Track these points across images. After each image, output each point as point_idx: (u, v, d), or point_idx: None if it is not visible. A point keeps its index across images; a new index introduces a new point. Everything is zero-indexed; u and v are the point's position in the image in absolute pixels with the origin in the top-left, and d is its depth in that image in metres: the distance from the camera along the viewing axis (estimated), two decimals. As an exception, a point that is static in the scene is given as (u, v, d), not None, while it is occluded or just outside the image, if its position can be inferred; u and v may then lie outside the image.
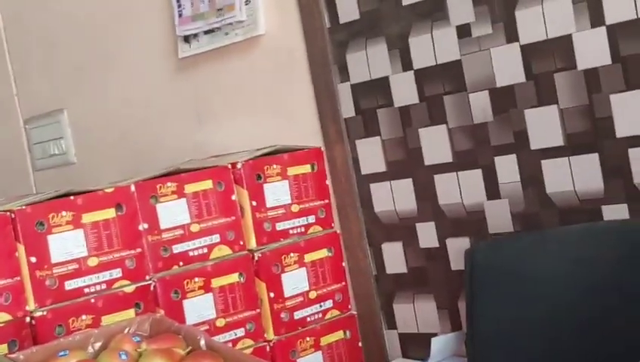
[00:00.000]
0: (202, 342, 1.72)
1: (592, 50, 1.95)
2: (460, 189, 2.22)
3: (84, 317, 2.00)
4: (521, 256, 2.00)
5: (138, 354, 1.69)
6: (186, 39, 2.67)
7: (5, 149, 3.26)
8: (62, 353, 1.65)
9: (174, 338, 1.73)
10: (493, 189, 2.16)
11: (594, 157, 2.00)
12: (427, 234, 2.30)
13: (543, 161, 2.07)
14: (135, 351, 1.69)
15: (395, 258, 2.38)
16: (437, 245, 2.28)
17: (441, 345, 2.25)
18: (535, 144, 2.08)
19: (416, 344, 2.36)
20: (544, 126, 2.05)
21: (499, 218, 2.15)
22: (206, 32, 2.62)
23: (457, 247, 2.23)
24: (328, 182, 2.44)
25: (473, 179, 2.19)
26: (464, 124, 2.18)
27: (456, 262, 2.24)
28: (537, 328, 1.95)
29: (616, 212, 1.98)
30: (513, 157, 2.11)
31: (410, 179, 2.31)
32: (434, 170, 2.26)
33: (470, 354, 2.07)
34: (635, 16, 1.90)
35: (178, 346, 1.71)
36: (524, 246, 2.02)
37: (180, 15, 2.65)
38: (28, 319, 1.94)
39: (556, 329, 1.91)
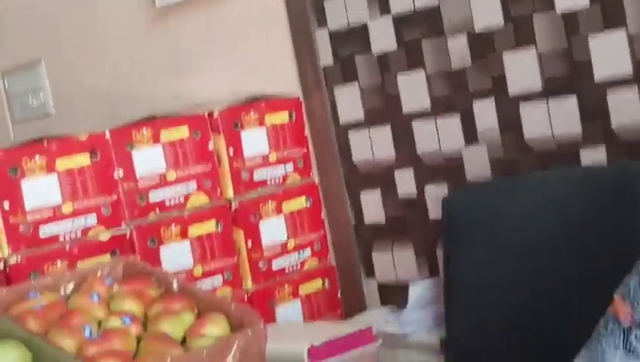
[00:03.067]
0: (175, 285, 1.71)
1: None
2: (437, 136, 2.20)
3: (59, 263, 1.99)
4: (498, 202, 1.99)
5: (110, 296, 1.67)
6: (163, -12, 2.63)
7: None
8: (33, 294, 1.64)
9: (147, 281, 1.72)
10: (471, 135, 2.14)
11: (572, 101, 1.98)
12: (405, 182, 2.28)
13: (521, 105, 2.06)
14: (107, 293, 1.68)
15: (373, 207, 2.37)
16: (415, 192, 2.27)
17: (419, 292, 2.25)
18: (513, 89, 2.06)
19: (395, 292, 2.35)
20: (522, 70, 2.03)
21: (477, 164, 2.14)
22: (183, -19, 2.58)
23: (435, 195, 2.22)
24: (307, 131, 2.42)
25: (451, 125, 2.17)
26: (442, 70, 2.16)
27: (435, 210, 2.23)
28: (513, 273, 1.94)
29: (594, 155, 1.97)
30: (491, 102, 2.10)
31: (389, 126, 2.29)
32: (412, 116, 2.24)
33: (447, 299, 2.06)
34: (614, -43, 1.88)
35: (150, 288, 1.70)
36: (501, 192, 2.01)
37: (157, -37, 2.61)
38: (1, 265, 1.93)
39: (532, 273, 1.91)
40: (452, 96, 2.16)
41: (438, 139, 2.20)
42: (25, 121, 3.09)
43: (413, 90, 2.22)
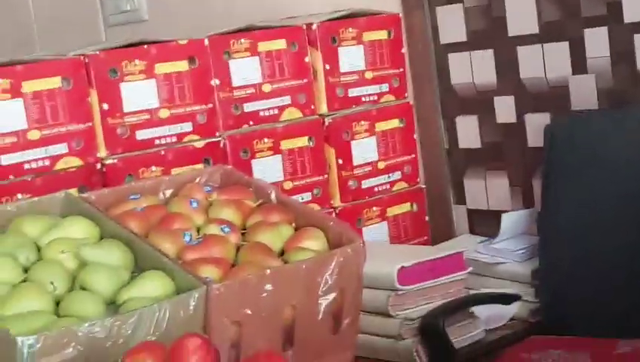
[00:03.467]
0: (273, 196, 1.69)
1: None
2: (544, 62, 2.12)
3: (153, 168, 1.99)
4: (606, 133, 1.92)
5: (208, 203, 1.66)
6: None
7: (77, 5, 3.21)
8: (133, 196, 1.64)
9: (244, 191, 1.70)
10: (579, 64, 2.06)
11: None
12: (505, 109, 2.22)
13: (636, 36, 1.96)
14: (205, 200, 1.67)
15: (469, 132, 2.31)
16: (515, 120, 2.21)
17: (512, 221, 2.20)
18: (629, 17, 1.97)
19: (485, 220, 2.31)
20: (640, -3, 1.94)
21: (583, 94, 2.06)
22: None
23: (536, 123, 2.15)
24: (404, 50, 2.36)
25: (559, 52, 2.09)
26: (554, -6, 2.08)
27: (534, 139, 2.17)
28: (617, 212, 1.88)
29: None
30: (604, 30, 2.01)
31: (492, 50, 2.22)
32: (518, 41, 2.16)
33: (542, 232, 2.02)
34: None
35: (248, 198, 1.68)
36: (609, 123, 1.94)
37: None
38: (98, 166, 1.93)
39: (635, 214, 1.84)
40: (562, 22, 2.07)
41: (544, 66, 2.12)
42: (118, 25, 3.08)
43: (522, 13, 2.14)
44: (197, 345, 1.12)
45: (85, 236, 1.51)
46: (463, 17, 2.26)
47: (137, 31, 2.85)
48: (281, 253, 1.56)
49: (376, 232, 2.30)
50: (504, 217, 2.19)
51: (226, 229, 1.57)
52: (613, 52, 2.01)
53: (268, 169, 2.14)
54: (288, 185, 2.17)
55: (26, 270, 1.43)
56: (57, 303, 1.39)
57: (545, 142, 2.00)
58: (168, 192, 1.71)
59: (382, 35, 2.32)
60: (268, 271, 1.44)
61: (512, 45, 2.17)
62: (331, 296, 1.50)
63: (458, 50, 2.29)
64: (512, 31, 2.17)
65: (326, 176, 2.24)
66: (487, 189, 2.31)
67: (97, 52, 1.94)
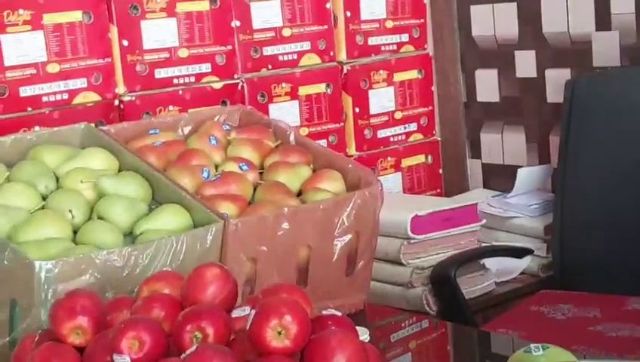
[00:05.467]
0: (292, 137, 1.68)
1: None
2: (567, 17, 2.10)
3: (171, 107, 1.98)
4: (628, 91, 1.91)
5: (227, 142, 1.66)
6: None
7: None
8: (153, 131, 1.64)
9: (264, 131, 1.69)
10: (603, 20, 2.04)
11: None
12: (526, 63, 2.20)
13: (663, -7, 1.95)
14: (224, 138, 1.66)
15: (488, 86, 2.30)
16: (535, 75, 2.19)
17: (527, 177, 2.20)
18: (657, -27, 1.95)
19: (500, 175, 2.31)
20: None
21: (606, 51, 2.05)
22: None
23: (557, 79, 2.14)
24: (426, 0, 2.34)
25: (583, 7, 2.07)
26: (581, -53, 2.06)
27: (554, 95, 2.16)
28: (631, 170, 1.88)
29: None
30: (630, -15, 1.99)
31: (515, 3, 2.20)
32: (542, -6, 2.14)
33: (557, 189, 2.01)
34: None
35: (267, 138, 1.68)
36: (631, 81, 1.93)
37: None
38: (117, 102, 1.93)
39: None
40: (589, -23, 2.05)
41: (567, 21, 2.10)
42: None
43: (548, -34, 2.11)
44: (215, 274, 1.12)
45: (104, 168, 1.51)
46: (488, -31, 2.24)
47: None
48: (299, 194, 1.56)
49: (390, 182, 2.30)
50: (519, 172, 2.18)
51: (245, 167, 1.57)
52: (639, 8, 1.98)
53: (285, 113, 2.14)
54: (304, 132, 2.17)
55: (44, 198, 1.43)
56: (75, 231, 1.39)
57: (565, 98, 1.99)
58: (187, 129, 1.71)
59: (404, -16, 2.30)
60: (285, 209, 1.44)
61: (536, -1, 2.15)
62: (347, 238, 1.50)
63: (480, 1, 2.27)
64: (537, -16, 2.15)
65: (342, 123, 2.23)
66: (504, 144, 2.30)
67: (119, -14, 1.92)
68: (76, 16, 1.87)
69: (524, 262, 2.07)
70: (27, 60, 1.82)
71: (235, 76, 2.07)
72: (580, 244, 1.93)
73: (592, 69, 2.08)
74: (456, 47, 2.35)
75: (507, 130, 2.29)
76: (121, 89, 1.93)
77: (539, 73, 2.19)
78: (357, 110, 2.25)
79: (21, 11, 1.81)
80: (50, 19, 1.84)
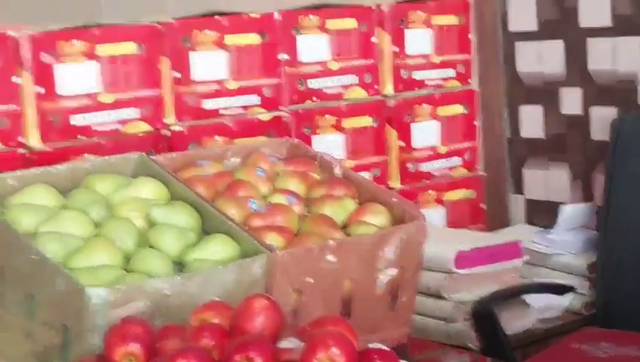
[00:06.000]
0: (337, 170, 1.71)
1: None
2: (614, 56, 2.11)
3: (217, 138, 2.02)
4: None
5: (274, 174, 1.69)
6: None
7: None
8: (201, 162, 1.67)
9: (310, 163, 1.72)
10: (650, 59, 2.05)
11: None
12: (571, 100, 2.21)
13: None
14: (271, 170, 1.69)
15: (532, 122, 2.31)
16: (580, 112, 2.20)
17: (570, 214, 2.20)
18: None
19: (543, 211, 2.31)
20: None
21: (652, 90, 2.05)
22: None
23: (602, 116, 2.14)
24: (472, 36, 2.36)
25: (630, 46, 2.07)
26: (629, -13, 2.07)
27: (599, 132, 2.16)
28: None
29: None
30: (679, 26, 2.00)
31: (562, 41, 2.21)
32: (589, 32, 2.15)
33: (602, 227, 2.01)
34: None
35: (313, 171, 1.70)
36: (677, 121, 1.93)
37: None
38: (165, 132, 1.96)
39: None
40: (635, 16, 2.06)
41: (614, 60, 2.11)
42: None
43: (595, 5, 2.12)
44: (264, 305, 1.15)
45: (155, 197, 1.54)
46: (535, 6, 2.25)
47: (204, 3, 2.87)
48: (344, 226, 1.58)
49: (432, 216, 2.30)
50: (563, 209, 2.18)
51: (291, 199, 1.59)
52: (686, 49, 1.99)
53: (329, 146, 2.16)
54: (348, 164, 2.19)
55: (97, 226, 1.47)
56: (126, 259, 1.42)
57: (611, 136, 1.99)
58: (234, 159, 1.74)
59: (451, 19, 2.33)
60: (331, 242, 1.46)
61: (583, 37, 2.16)
62: (391, 272, 1.52)
63: (527, 38, 2.28)
64: (584, 22, 2.16)
65: (386, 157, 2.25)
66: (547, 180, 2.30)
67: (172, 20, 1.97)
68: (129, 47, 1.92)
69: (566, 300, 2.07)
70: (81, 90, 1.87)
71: (281, 108, 2.10)
72: (623, 283, 1.93)
73: (637, 108, 2.08)
74: (502, 83, 2.36)
75: (551, 167, 2.29)
76: (170, 119, 1.97)
77: (584, 110, 2.19)
78: (401, 144, 2.27)
79: (77, 42, 1.86)
80: (104, 50, 1.89)
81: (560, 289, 2.03)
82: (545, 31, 2.24)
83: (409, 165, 2.28)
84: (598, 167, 2.17)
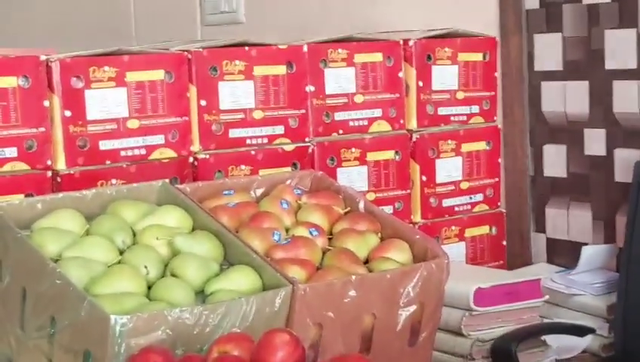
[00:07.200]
0: (361, 205, 1.72)
1: None
2: (638, 98, 2.11)
3: (243, 167, 2.03)
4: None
5: (298, 206, 1.70)
6: None
7: (177, 2, 3.29)
8: (227, 192, 1.68)
9: (334, 197, 1.73)
10: (676, 103, 2.05)
11: None
12: (595, 141, 2.21)
13: None
14: (295, 202, 1.71)
15: (556, 161, 2.31)
16: (604, 154, 2.20)
17: (592, 255, 2.19)
18: None
19: (564, 251, 2.30)
20: None
21: (677, 133, 2.05)
22: None
23: (626, 158, 2.14)
24: (498, 73, 2.37)
25: (656, 89, 2.08)
26: (657, 31, 2.07)
27: (622, 174, 2.16)
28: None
29: None
30: None
31: (587, 82, 2.21)
32: (614, 74, 2.16)
33: (624, 269, 2.00)
34: None
35: (337, 205, 1.71)
36: (701, 166, 1.92)
37: None
38: (191, 159, 1.98)
39: None
40: (662, 60, 2.07)
41: (639, 102, 2.11)
42: (214, 24, 3.15)
43: (621, 47, 2.13)
44: (285, 341, 1.16)
45: (179, 225, 1.55)
46: (561, 46, 2.26)
47: (233, 33, 2.91)
48: (366, 261, 1.59)
49: (453, 252, 2.30)
50: (584, 250, 2.18)
51: (314, 232, 1.60)
52: None
53: (353, 178, 2.17)
54: (371, 197, 2.20)
55: (121, 252, 1.48)
56: (149, 287, 1.43)
57: (634, 178, 1.99)
58: (259, 191, 1.75)
59: (477, 57, 2.34)
60: (353, 277, 1.47)
61: (608, 78, 2.17)
62: (412, 309, 1.52)
63: (552, 78, 2.29)
64: (610, 64, 2.16)
65: (409, 191, 2.26)
66: (569, 220, 2.30)
67: (201, 49, 1.99)
68: (158, 75, 1.94)
69: (586, 341, 2.06)
70: (109, 115, 1.89)
71: (307, 139, 2.12)
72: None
73: (661, 151, 2.08)
74: (526, 121, 2.37)
75: (573, 207, 2.29)
76: (196, 147, 1.99)
77: (608, 152, 2.19)
78: (424, 178, 2.28)
79: (106, 68, 1.88)
80: (133, 77, 1.91)
81: (580, 331, 2.02)
82: (570, 71, 2.25)
83: (431, 200, 2.29)
84: (621, 209, 2.17)
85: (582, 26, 2.21)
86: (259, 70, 2.05)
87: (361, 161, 2.20)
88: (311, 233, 1.60)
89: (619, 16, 2.14)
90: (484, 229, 2.37)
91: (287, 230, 1.62)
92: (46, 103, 1.82)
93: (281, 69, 2.07)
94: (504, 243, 2.39)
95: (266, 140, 2.07)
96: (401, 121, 2.25)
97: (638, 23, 2.10)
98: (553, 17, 2.27)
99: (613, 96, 2.17)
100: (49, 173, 1.82)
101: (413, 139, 2.25)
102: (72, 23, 3.59)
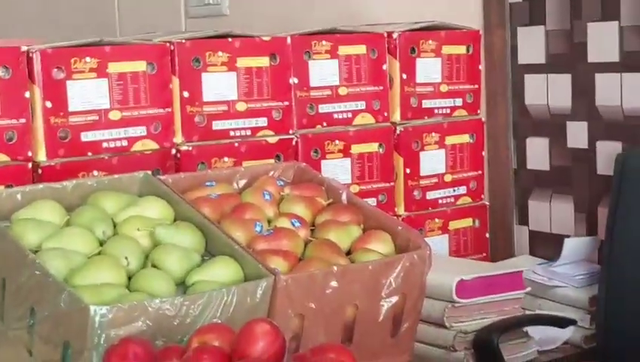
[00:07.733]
0: (344, 196, 1.72)
1: None
2: (621, 91, 2.12)
3: (226, 159, 2.02)
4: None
5: (280, 197, 1.70)
6: None
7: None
8: (209, 183, 1.68)
9: (317, 188, 1.73)
10: (658, 96, 2.06)
11: None
12: (577, 134, 2.22)
13: None
14: (278, 194, 1.70)
15: (538, 154, 2.31)
16: (586, 146, 2.21)
17: (573, 247, 2.20)
18: None
19: (546, 243, 2.31)
20: None
21: (659, 126, 2.06)
22: None
23: (608, 151, 2.15)
24: (481, 66, 2.37)
25: (637, 82, 2.08)
26: (638, 24, 2.07)
27: (604, 167, 2.17)
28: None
29: None
30: (687, 63, 2.01)
31: (570, 75, 2.22)
32: (597, 67, 2.16)
33: (605, 261, 2.01)
34: None
35: (320, 196, 1.71)
36: (683, 158, 1.93)
37: None
38: (174, 151, 1.97)
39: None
40: (644, 52, 2.07)
41: (621, 95, 2.12)
42: (198, 17, 3.14)
43: (604, 41, 2.14)
44: (265, 331, 1.15)
45: (160, 216, 1.55)
46: (544, 40, 2.27)
47: (218, 25, 2.90)
48: (348, 253, 1.59)
49: (436, 245, 2.30)
50: (566, 242, 2.18)
51: (297, 224, 1.60)
52: (694, 87, 2.00)
53: (336, 171, 2.17)
54: (355, 189, 2.19)
55: (101, 243, 1.48)
56: (129, 278, 1.43)
57: (615, 171, 2.00)
58: (242, 182, 1.75)
59: (461, 49, 2.34)
60: (335, 268, 1.47)
61: (591, 71, 2.17)
62: (393, 299, 1.52)
63: (535, 71, 2.30)
64: (592, 57, 2.17)
65: (392, 183, 2.26)
66: (552, 212, 2.31)
67: (183, 40, 1.98)
68: (140, 66, 1.93)
69: (567, 333, 2.06)
70: (90, 106, 1.88)
71: (290, 131, 2.11)
72: (625, 317, 1.93)
73: (643, 144, 2.09)
74: (509, 114, 2.37)
75: (556, 199, 2.30)
76: (178, 139, 1.98)
77: (590, 145, 2.20)
78: (408, 171, 2.28)
79: (88, 59, 1.87)
80: (115, 68, 1.90)
81: (562, 322, 2.03)
82: (553, 64, 2.26)
83: (415, 192, 2.29)
84: (603, 201, 2.18)
85: (565, 19, 2.22)
86: (242, 62, 2.04)
87: (345, 153, 2.19)
88: (293, 224, 1.60)
89: (601, 10, 2.14)
90: (467, 222, 2.37)
91: (269, 221, 1.62)
92: (27, 94, 1.81)
93: (264, 61, 2.07)
94: (487, 235, 2.40)
95: (249, 132, 2.07)
96: (385, 114, 2.25)
97: (620, 16, 2.11)
98: (536, 10, 2.27)
99: (595, 89, 2.17)
100: (29, 165, 1.81)
101: (397, 131, 2.25)
102: (55, 14, 3.57)
